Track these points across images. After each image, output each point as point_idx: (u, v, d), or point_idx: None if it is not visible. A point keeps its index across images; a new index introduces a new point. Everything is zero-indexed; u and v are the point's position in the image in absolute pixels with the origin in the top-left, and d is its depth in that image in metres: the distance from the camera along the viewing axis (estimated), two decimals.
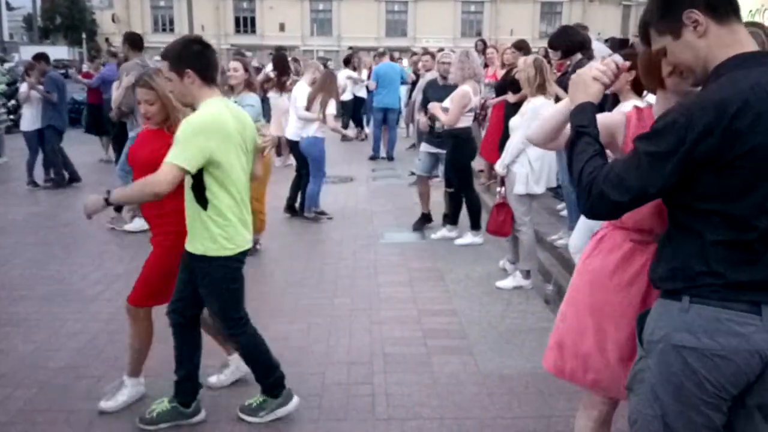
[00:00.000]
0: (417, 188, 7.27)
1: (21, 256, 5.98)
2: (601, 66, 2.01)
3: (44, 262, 5.85)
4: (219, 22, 56.25)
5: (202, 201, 2.93)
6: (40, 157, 9.23)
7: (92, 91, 11.16)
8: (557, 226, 6.25)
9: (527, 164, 5.06)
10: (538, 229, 6.23)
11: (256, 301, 4.93)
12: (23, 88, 9.19)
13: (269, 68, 11.71)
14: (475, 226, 6.51)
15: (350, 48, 22.40)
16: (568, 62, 5.66)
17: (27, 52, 18.28)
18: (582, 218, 4.43)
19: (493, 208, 5.43)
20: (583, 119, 1.90)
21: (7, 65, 19.43)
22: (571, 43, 5.54)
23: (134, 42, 7.40)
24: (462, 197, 6.60)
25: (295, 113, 7.38)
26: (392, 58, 13.64)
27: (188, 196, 2.98)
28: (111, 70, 9.94)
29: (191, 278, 3.09)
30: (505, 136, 5.85)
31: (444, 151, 6.69)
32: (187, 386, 3.26)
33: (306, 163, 7.39)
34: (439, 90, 6.92)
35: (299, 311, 4.78)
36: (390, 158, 11.80)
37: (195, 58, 2.93)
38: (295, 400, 3.36)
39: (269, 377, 3.32)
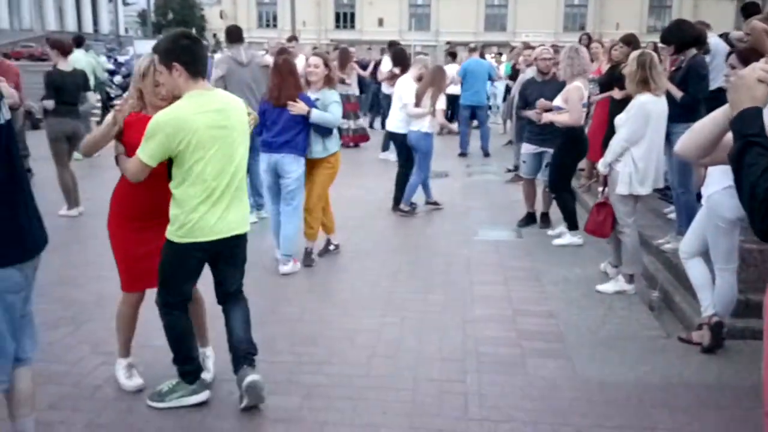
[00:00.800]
0: (523, 189, 7.13)
1: None
2: (766, 65, 1.84)
3: None
4: (320, 17, 57.40)
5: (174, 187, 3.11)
6: None
7: None
8: (664, 230, 5.94)
9: (631, 163, 4.82)
10: (643, 232, 5.95)
11: (348, 292, 5.01)
12: None
13: (385, 62, 11.77)
14: (572, 226, 6.30)
15: (448, 43, 22.28)
16: (682, 57, 5.35)
17: (141, 47, 19.24)
18: (695, 223, 4.19)
19: (593, 207, 5.24)
20: (750, 127, 1.72)
21: (122, 58, 20.63)
22: (685, 38, 5.22)
23: (229, 33, 7.49)
24: (560, 197, 6.40)
25: (399, 108, 7.39)
26: (482, 55, 13.41)
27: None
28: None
29: None
30: (609, 133, 5.61)
31: (547, 150, 6.53)
32: (189, 367, 3.36)
33: (409, 156, 7.39)
34: (538, 87, 6.74)
35: (392, 305, 4.78)
36: (486, 154, 11.64)
37: (182, 52, 3.01)
38: (207, 393, 3.36)
39: (181, 359, 3.35)
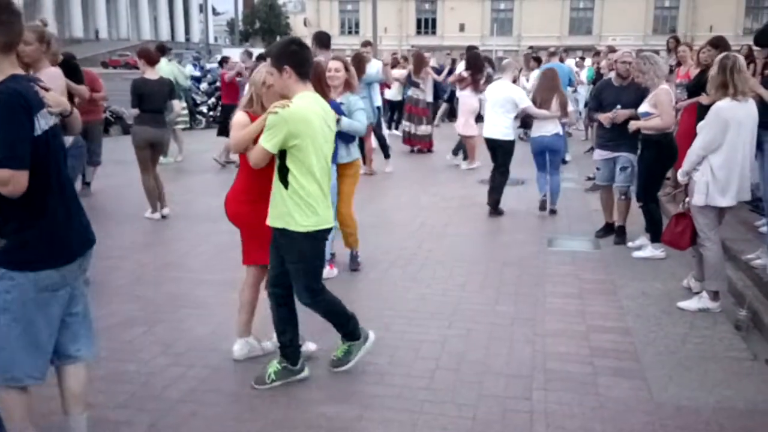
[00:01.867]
0: (600, 198, 6.88)
1: (208, 243, 6.46)
2: None
3: (230, 248, 6.26)
4: (401, 23, 57.73)
5: (284, 181, 3.37)
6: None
7: None
8: (755, 244, 5.57)
9: (709, 172, 4.55)
10: (731, 246, 5.63)
11: (415, 301, 4.94)
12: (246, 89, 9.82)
13: (460, 67, 11.69)
14: (655, 238, 6.00)
15: (530, 47, 21.87)
16: None
17: (228, 54, 19.86)
18: None
19: (672, 218, 5.01)
20: None
21: (209, 65, 21.34)
22: None
23: (320, 40, 7.71)
24: (645, 207, 6.12)
25: (503, 113, 7.44)
26: (561, 59, 13.07)
27: (274, 176, 3.43)
28: None
29: (280, 252, 3.52)
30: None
31: (621, 154, 6.28)
32: (292, 349, 3.65)
33: (504, 162, 7.64)
34: (614, 91, 6.47)
35: (458, 315, 4.68)
36: (563, 161, 11.29)
37: (292, 57, 3.37)
38: (372, 334, 3.83)
39: (348, 324, 3.73)
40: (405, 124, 12.41)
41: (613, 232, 6.62)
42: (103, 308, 4.76)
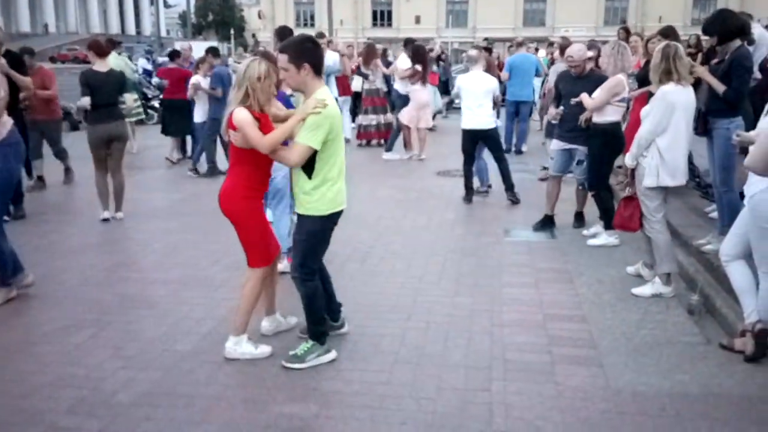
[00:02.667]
0: (547, 187, 6.92)
1: (160, 241, 6.30)
2: None
3: (182, 246, 6.13)
4: (357, 15, 57.46)
5: (309, 171, 3.59)
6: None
7: None
8: (705, 229, 5.68)
9: (657, 155, 4.67)
10: (682, 232, 5.74)
11: (375, 295, 4.89)
12: (192, 81, 9.54)
13: (402, 60, 11.64)
14: (609, 225, 6.07)
15: (485, 39, 21.97)
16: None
17: (181, 46, 19.44)
18: (736, 224, 3.95)
19: (620, 202, 5.11)
20: None
21: (161, 59, 20.90)
22: (727, 28, 4.94)
23: (281, 34, 7.48)
24: (597, 195, 6.20)
25: (478, 105, 7.58)
26: (535, 50, 13.18)
27: (294, 167, 3.64)
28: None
29: None
30: None
31: (578, 147, 6.34)
32: (320, 328, 3.83)
33: (496, 148, 7.87)
34: (571, 82, 6.52)
35: (417, 308, 4.65)
36: (519, 152, 11.41)
37: (310, 54, 3.55)
38: (335, 353, 3.84)
39: (320, 324, 3.83)
40: (360, 118, 12.32)
41: (552, 224, 6.69)
42: (48, 312, 4.60)
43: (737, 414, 3.28)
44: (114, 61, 10.80)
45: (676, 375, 3.66)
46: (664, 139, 4.64)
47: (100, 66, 7.08)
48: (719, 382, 3.58)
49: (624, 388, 3.51)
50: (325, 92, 3.59)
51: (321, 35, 11.30)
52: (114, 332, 4.26)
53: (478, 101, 7.62)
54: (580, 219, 6.67)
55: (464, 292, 4.97)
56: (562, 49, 9.22)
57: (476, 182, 8.08)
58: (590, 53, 6.68)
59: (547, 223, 6.71)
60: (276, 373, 3.70)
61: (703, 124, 5.20)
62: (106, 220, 6.99)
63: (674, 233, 5.72)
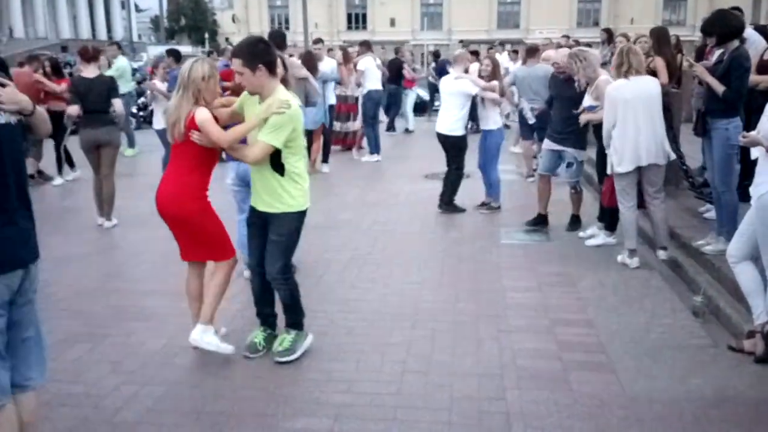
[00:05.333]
0: (537, 187, 6.89)
1: (151, 251, 6.12)
2: None
3: (174, 257, 5.94)
4: (332, 18, 57.29)
5: (279, 168, 3.65)
6: None
7: None
8: (701, 230, 5.68)
9: (613, 146, 5.30)
10: (680, 233, 5.77)
11: (377, 302, 4.80)
12: (150, 84, 9.44)
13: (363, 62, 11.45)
14: (610, 226, 6.06)
15: (461, 41, 21.99)
16: (722, 50, 5.08)
17: (154, 52, 19.18)
18: (743, 225, 3.94)
19: (606, 181, 5.76)
20: None
21: (136, 64, 20.60)
22: (728, 29, 4.94)
23: (274, 40, 7.35)
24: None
25: (460, 109, 7.15)
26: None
27: (263, 166, 3.65)
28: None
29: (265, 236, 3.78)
30: None
31: (566, 149, 6.33)
32: (302, 316, 3.96)
33: (454, 158, 7.35)
34: (558, 84, 6.52)
35: (421, 315, 4.57)
36: None
37: (264, 55, 3.55)
38: (311, 336, 4.01)
39: (301, 312, 3.95)
40: (335, 124, 12.14)
41: (546, 223, 6.66)
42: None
43: (755, 417, 3.26)
44: (121, 63, 11.07)
45: (689, 379, 3.63)
46: (616, 131, 5.23)
47: (88, 72, 6.94)
48: (733, 385, 3.56)
49: (639, 394, 3.47)
50: (285, 92, 3.65)
51: (319, 41, 11.20)
52: (111, 346, 4.11)
53: (445, 104, 7.38)
54: (575, 222, 6.61)
55: (466, 297, 4.90)
56: (529, 52, 9.21)
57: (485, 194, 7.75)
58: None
59: (540, 222, 6.68)
60: (281, 384, 3.59)
61: (701, 125, 5.20)
62: (101, 225, 6.93)
63: (672, 235, 5.73)
